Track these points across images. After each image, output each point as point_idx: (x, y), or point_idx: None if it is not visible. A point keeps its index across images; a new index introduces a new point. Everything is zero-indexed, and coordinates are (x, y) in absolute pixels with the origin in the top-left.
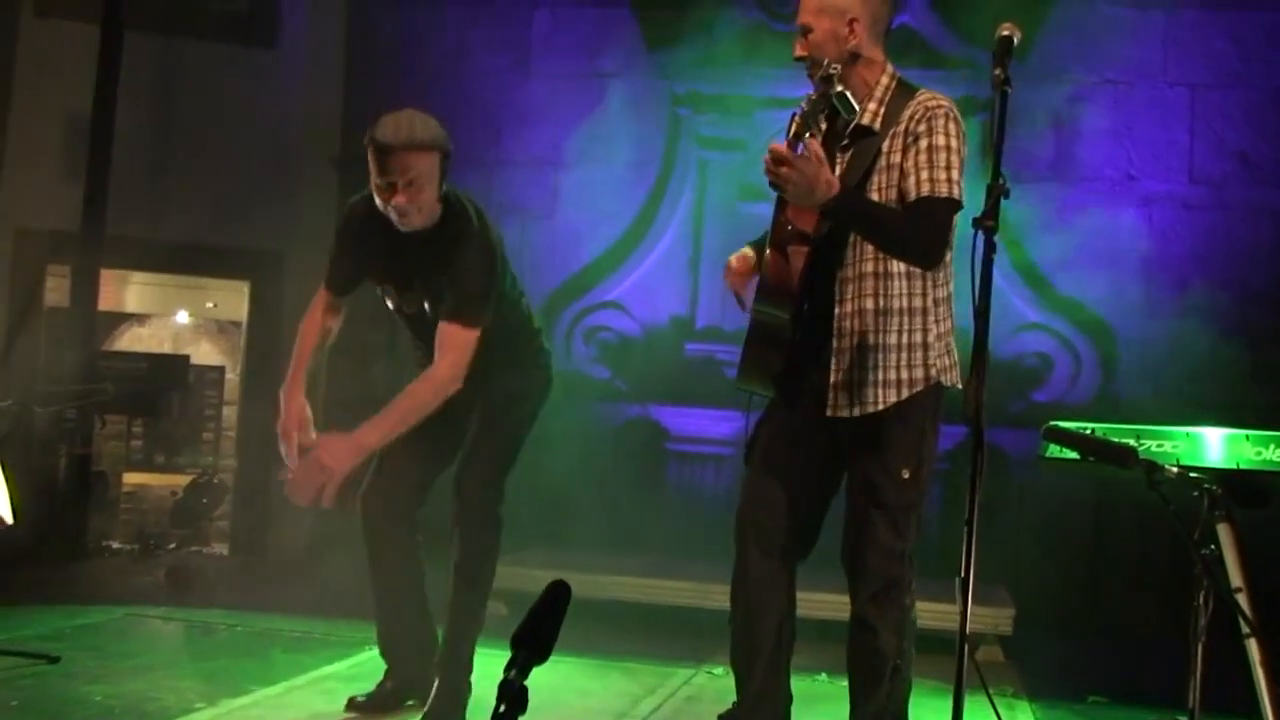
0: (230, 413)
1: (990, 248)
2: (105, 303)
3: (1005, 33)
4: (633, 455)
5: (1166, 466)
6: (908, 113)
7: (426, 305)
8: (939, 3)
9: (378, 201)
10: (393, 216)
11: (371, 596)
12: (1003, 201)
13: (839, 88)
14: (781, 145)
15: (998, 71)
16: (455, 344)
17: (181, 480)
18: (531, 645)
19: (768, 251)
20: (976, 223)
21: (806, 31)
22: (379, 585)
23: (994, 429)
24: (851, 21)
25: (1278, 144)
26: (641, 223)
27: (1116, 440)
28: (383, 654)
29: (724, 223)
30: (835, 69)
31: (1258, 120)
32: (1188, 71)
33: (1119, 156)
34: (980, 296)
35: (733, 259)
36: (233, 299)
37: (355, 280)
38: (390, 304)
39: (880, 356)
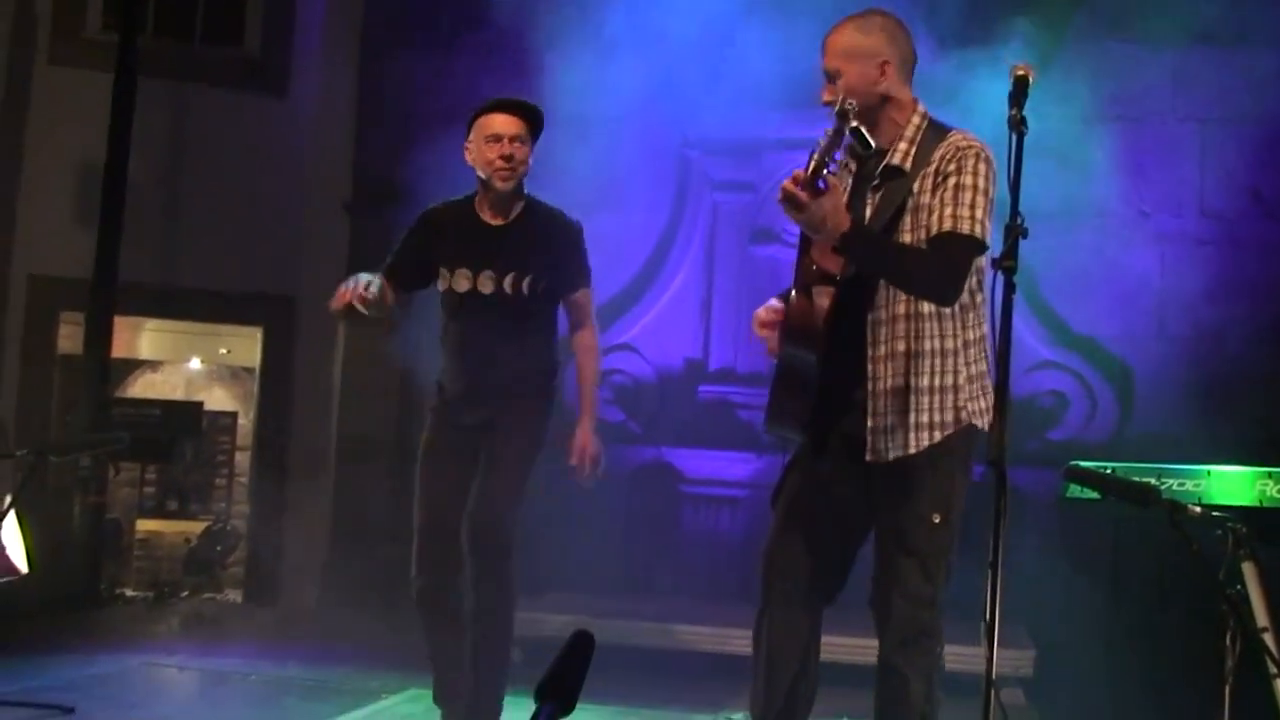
0: (243, 458)
1: (1010, 288)
2: (118, 349)
3: (1020, 73)
4: (647, 498)
5: (1189, 506)
6: (939, 153)
7: (507, 285)
8: (946, 41)
9: (480, 165)
10: (496, 181)
11: (428, 652)
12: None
13: (854, 122)
14: (803, 173)
15: (1014, 111)
16: (590, 306)
17: (194, 527)
18: (557, 697)
19: (793, 293)
20: (995, 263)
21: (836, 77)
22: (435, 645)
23: (1010, 468)
24: (883, 64)
25: None
26: (653, 265)
27: (1138, 480)
28: (438, 701)
29: (735, 265)
30: (851, 104)
31: (1268, 155)
32: (1197, 107)
33: (1130, 193)
34: (1000, 338)
35: (761, 311)
36: (246, 345)
37: (421, 270)
38: (459, 287)
39: (914, 399)
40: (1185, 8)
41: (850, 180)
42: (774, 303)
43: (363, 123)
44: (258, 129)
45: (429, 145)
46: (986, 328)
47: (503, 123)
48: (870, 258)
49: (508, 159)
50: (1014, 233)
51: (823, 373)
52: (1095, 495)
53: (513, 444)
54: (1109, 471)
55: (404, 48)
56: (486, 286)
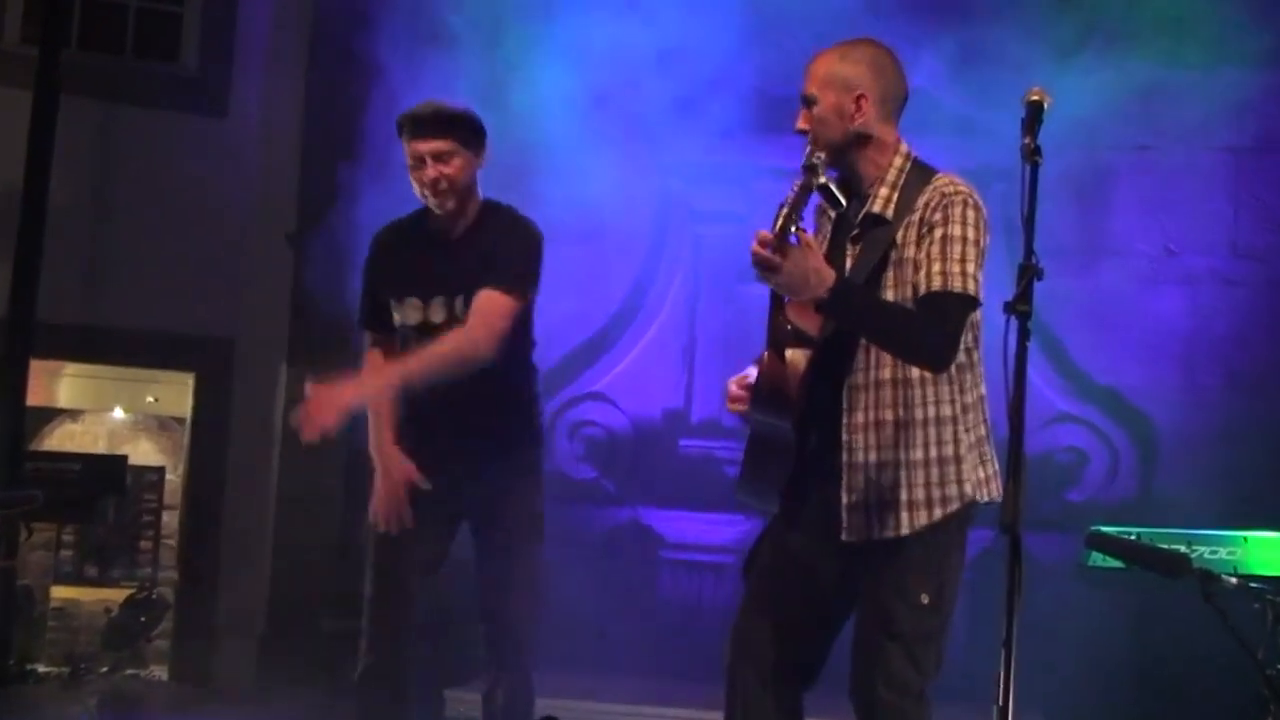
0: (171, 519)
1: (1024, 335)
2: (34, 397)
3: (1035, 98)
4: (622, 565)
5: (1223, 576)
6: (923, 199)
7: (459, 310)
8: (954, 63)
9: (415, 189)
10: (430, 201)
11: None
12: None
13: (822, 178)
14: (769, 233)
15: (1028, 140)
16: (492, 308)
17: (116, 595)
18: None
19: (765, 353)
20: (1008, 307)
21: (810, 104)
22: None
23: (1025, 532)
24: (859, 97)
25: None
26: (629, 305)
27: (1166, 547)
28: None
29: (721, 305)
30: (820, 158)
31: None
32: (1229, 134)
33: (1155, 229)
34: (1014, 389)
35: (732, 385)
36: (176, 393)
37: (389, 311)
38: (412, 319)
39: (906, 475)
40: (1216, 26)
41: (829, 229)
42: (750, 372)
43: (309, 148)
44: (193, 153)
45: (383, 172)
46: (984, 388)
47: (420, 144)
48: (857, 319)
49: (434, 183)
50: (1028, 273)
51: (798, 441)
52: (1119, 564)
53: (520, 529)
54: (1134, 538)
55: (357, 63)
56: (438, 315)
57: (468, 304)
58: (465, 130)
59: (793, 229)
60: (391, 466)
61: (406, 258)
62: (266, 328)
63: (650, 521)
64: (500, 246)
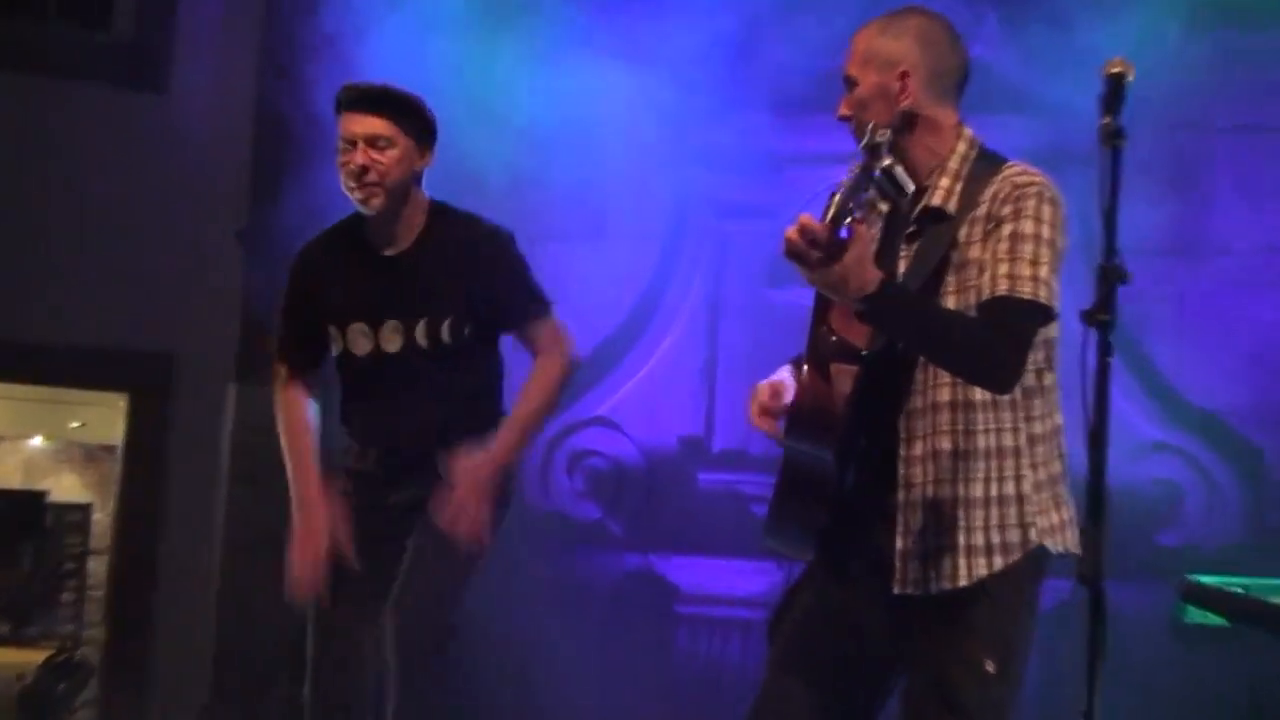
0: (99, 565)
1: (1106, 348)
2: None
3: (1116, 70)
4: (632, 619)
5: None
6: (990, 191)
7: (420, 335)
8: (1019, 29)
9: (343, 184)
10: (354, 195)
11: None
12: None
13: (886, 160)
14: (816, 221)
15: (1108, 120)
16: (555, 335)
17: (32, 657)
18: None
19: (804, 369)
20: (1086, 316)
21: (852, 85)
22: None
23: (1109, 582)
24: (903, 75)
25: None
26: (641, 314)
27: (1278, 601)
28: None
29: (747, 314)
30: (884, 135)
31: None
32: None
33: (1258, 224)
34: (1095, 412)
35: (763, 390)
36: (105, 417)
37: (318, 339)
38: (361, 349)
39: (964, 515)
40: None
41: (880, 225)
42: (782, 376)
43: (263, 130)
44: (128, 134)
45: None
46: (1060, 417)
47: (354, 123)
48: (905, 328)
49: (359, 174)
50: (1110, 276)
51: (841, 475)
52: (1221, 620)
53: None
54: (1239, 591)
55: (322, 33)
56: (393, 343)
57: (432, 330)
58: (410, 117)
59: (847, 219)
60: (313, 512)
61: (344, 276)
62: (212, 339)
63: (664, 570)
64: (500, 267)
